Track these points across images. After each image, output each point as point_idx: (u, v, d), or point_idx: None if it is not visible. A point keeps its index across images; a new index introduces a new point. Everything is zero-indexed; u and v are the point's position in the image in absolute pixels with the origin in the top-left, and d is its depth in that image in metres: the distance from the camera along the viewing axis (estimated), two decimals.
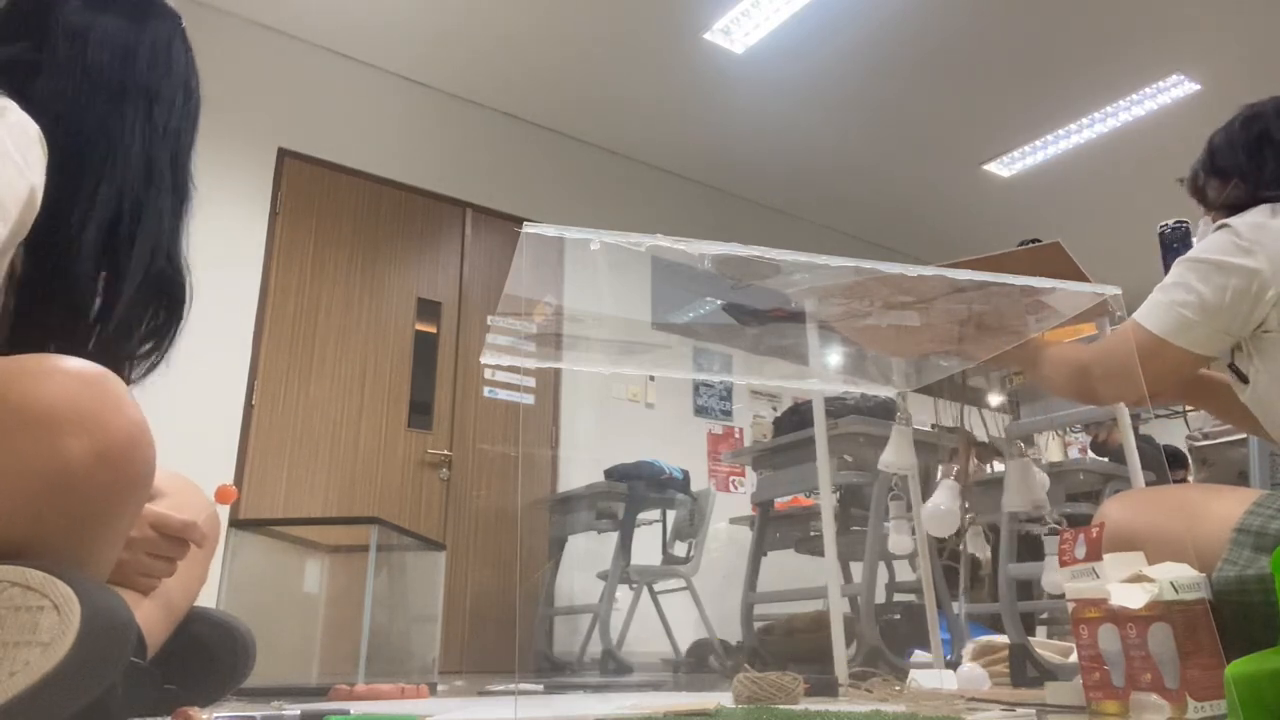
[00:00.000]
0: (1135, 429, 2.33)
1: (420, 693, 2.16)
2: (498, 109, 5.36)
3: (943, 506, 1.96)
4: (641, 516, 4.45)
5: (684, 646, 4.44)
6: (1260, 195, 1.32)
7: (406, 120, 5.03)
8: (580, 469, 4.89)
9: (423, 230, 4.98)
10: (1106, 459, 3.35)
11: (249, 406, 4.19)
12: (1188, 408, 2.78)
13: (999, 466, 2.69)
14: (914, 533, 2.15)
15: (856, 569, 3.63)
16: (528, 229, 1.06)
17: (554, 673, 4.26)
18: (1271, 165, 1.34)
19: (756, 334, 2.00)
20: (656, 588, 4.57)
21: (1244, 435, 2.72)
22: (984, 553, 2.13)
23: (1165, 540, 1.14)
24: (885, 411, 3.26)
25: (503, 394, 4.97)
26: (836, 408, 3.33)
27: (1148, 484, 2.28)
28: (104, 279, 0.95)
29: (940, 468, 2.10)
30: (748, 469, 4.79)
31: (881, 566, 3.84)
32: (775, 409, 5.78)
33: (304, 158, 4.64)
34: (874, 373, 1.99)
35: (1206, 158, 1.44)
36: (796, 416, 3.82)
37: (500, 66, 4.98)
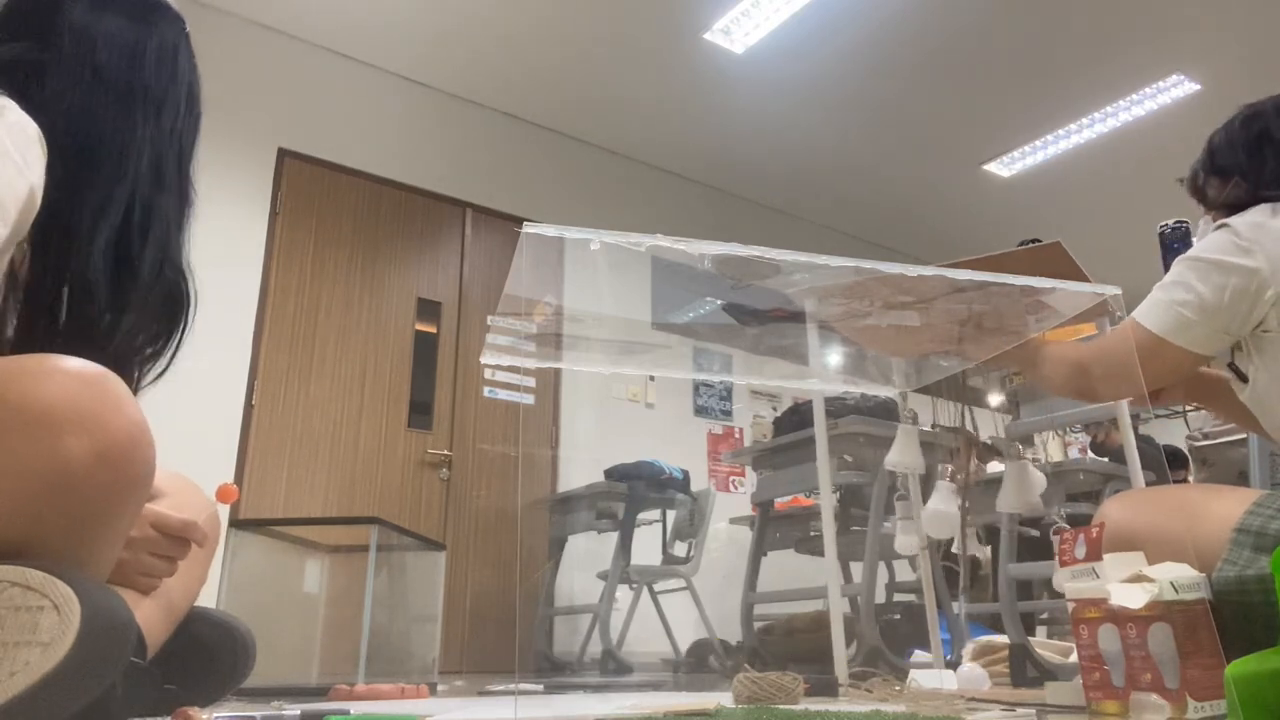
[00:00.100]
0: (1135, 429, 2.33)
1: (420, 693, 2.16)
2: (498, 109, 5.36)
3: (941, 509, 1.96)
4: (641, 516, 4.45)
5: (684, 646, 4.44)
6: (1261, 194, 1.32)
7: (406, 120, 5.03)
8: (580, 469, 4.89)
9: (423, 230, 4.98)
10: (1106, 459, 3.36)
11: (249, 406, 4.19)
12: (1188, 408, 2.78)
13: (1000, 466, 2.69)
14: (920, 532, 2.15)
15: (856, 569, 3.63)
16: (528, 229, 1.06)
17: (554, 673, 4.26)
18: (1272, 164, 1.34)
19: (756, 334, 2.00)
20: (656, 588, 4.57)
21: (1244, 435, 2.72)
22: (980, 553, 2.13)
23: (1165, 540, 1.14)
24: (885, 411, 3.26)
25: (503, 394, 4.97)
26: (836, 408, 3.33)
27: (1148, 484, 2.28)
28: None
29: (939, 468, 2.10)
30: (748, 469, 4.79)
31: (881, 566, 3.85)
32: (775, 409, 5.78)
33: (304, 158, 4.64)
34: (874, 373, 1.99)
35: (1206, 157, 1.44)
36: (796, 416, 3.82)
37: (500, 66, 4.98)
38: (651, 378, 5.35)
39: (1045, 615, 3.63)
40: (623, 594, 4.43)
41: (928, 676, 1.93)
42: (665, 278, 5.24)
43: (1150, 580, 1.04)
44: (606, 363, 1.54)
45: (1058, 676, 1.89)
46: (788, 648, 3.52)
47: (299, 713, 1.31)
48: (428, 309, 4.88)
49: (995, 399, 2.43)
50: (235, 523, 3.12)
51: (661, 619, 4.53)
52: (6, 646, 0.68)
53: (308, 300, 4.49)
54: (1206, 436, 2.97)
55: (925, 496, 2.20)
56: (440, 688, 2.72)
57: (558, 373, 5.02)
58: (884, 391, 2.11)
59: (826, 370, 2.02)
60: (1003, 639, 2.29)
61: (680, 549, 4.63)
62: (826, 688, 1.83)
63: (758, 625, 3.74)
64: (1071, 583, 1.14)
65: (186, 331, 1.04)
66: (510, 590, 4.71)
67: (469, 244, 5.10)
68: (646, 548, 4.47)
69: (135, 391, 0.96)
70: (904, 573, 4.08)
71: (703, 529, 4.55)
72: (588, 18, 4.60)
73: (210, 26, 4.32)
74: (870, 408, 3.35)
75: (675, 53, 4.85)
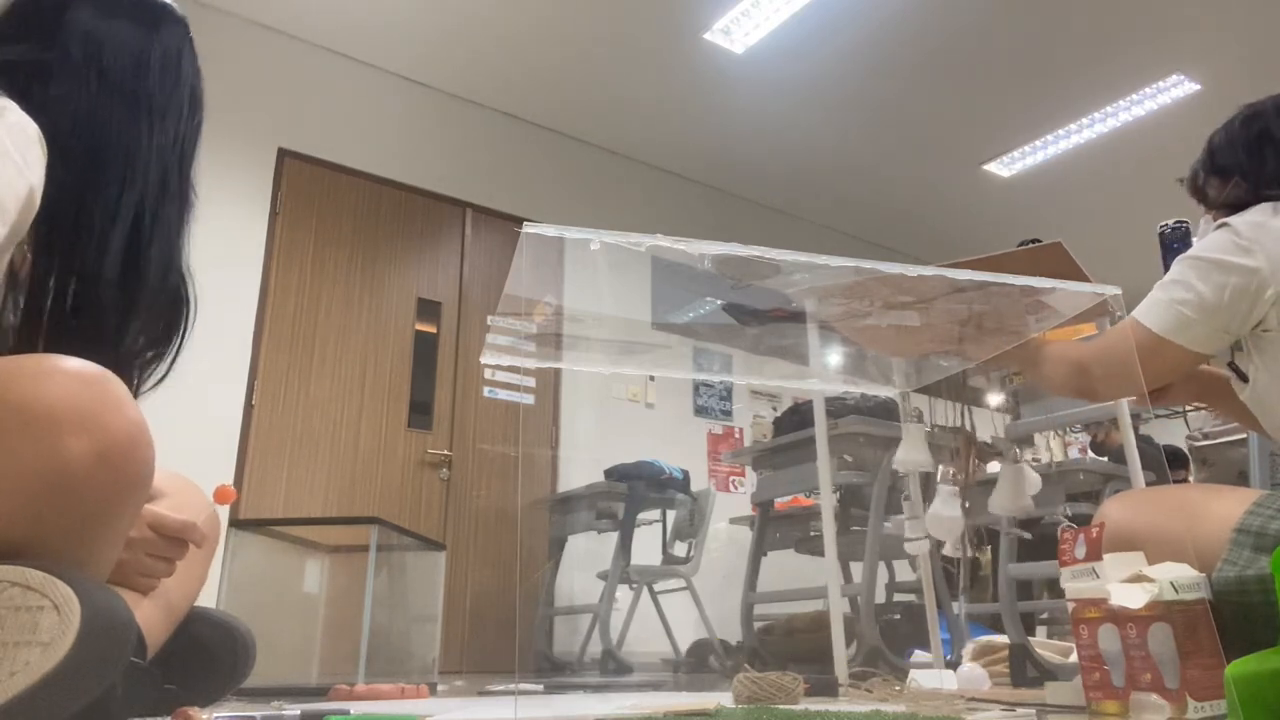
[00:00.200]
0: (1135, 429, 2.33)
1: (420, 693, 2.16)
2: (498, 109, 5.36)
3: (944, 513, 1.96)
4: (641, 516, 4.45)
5: (684, 646, 4.44)
6: (1261, 194, 1.32)
7: (406, 120, 5.03)
8: (580, 469, 4.89)
9: (423, 230, 4.98)
10: (1106, 459, 3.35)
11: (249, 406, 4.19)
12: (1188, 408, 2.78)
13: (999, 466, 2.69)
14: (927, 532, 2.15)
15: (856, 569, 3.63)
16: (528, 229, 1.06)
17: (554, 673, 4.26)
18: (1272, 163, 1.34)
19: (756, 334, 1.99)
20: (656, 588, 4.57)
21: (1244, 435, 2.72)
22: (981, 554, 2.13)
23: (1165, 540, 1.14)
24: (885, 411, 3.26)
25: (503, 394, 4.97)
26: (836, 408, 3.33)
27: (1148, 484, 2.28)
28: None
29: (939, 470, 2.10)
30: (748, 469, 4.78)
31: (881, 566, 3.85)
32: (775, 409, 5.78)
33: (304, 158, 4.64)
34: (874, 373, 1.99)
35: (1206, 157, 1.44)
36: (796, 416, 3.82)
37: (500, 66, 4.98)
38: (651, 378, 5.35)
39: (1045, 615, 3.63)
40: (623, 594, 4.43)
41: (928, 676, 1.93)
42: (665, 278, 5.24)
43: (1150, 580, 1.04)
44: (606, 363, 1.54)
45: (1058, 676, 1.89)
46: (788, 648, 3.52)
47: (299, 713, 1.31)
48: (428, 309, 4.88)
49: (995, 399, 2.43)
50: (235, 523, 3.12)
51: (661, 619, 4.53)
52: (6, 646, 0.68)
53: (308, 300, 4.49)
54: (1206, 436, 2.98)
55: (925, 495, 2.20)
56: (440, 688, 2.72)
57: (558, 373, 5.02)
58: (884, 391, 2.11)
59: (826, 370, 2.02)
60: (1003, 639, 2.29)
61: (680, 549, 4.63)
62: (826, 688, 1.83)
63: (758, 625, 3.74)
64: (1071, 583, 1.14)
65: (187, 336, 1.04)
66: (510, 590, 4.71)
67: (469, 244, 5.10)
68: (646, 548, 4.47)
69: (135, 395, 0.96)
70: (904, 573, 4.08)
71: (703, 529, 4.55)
72: (588, 18, 4.60)
73: (210, 26, 4.31)
74: (870, 408, 3.35)
75: (675, 53, 4.85)
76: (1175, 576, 1.04)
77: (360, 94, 4.89)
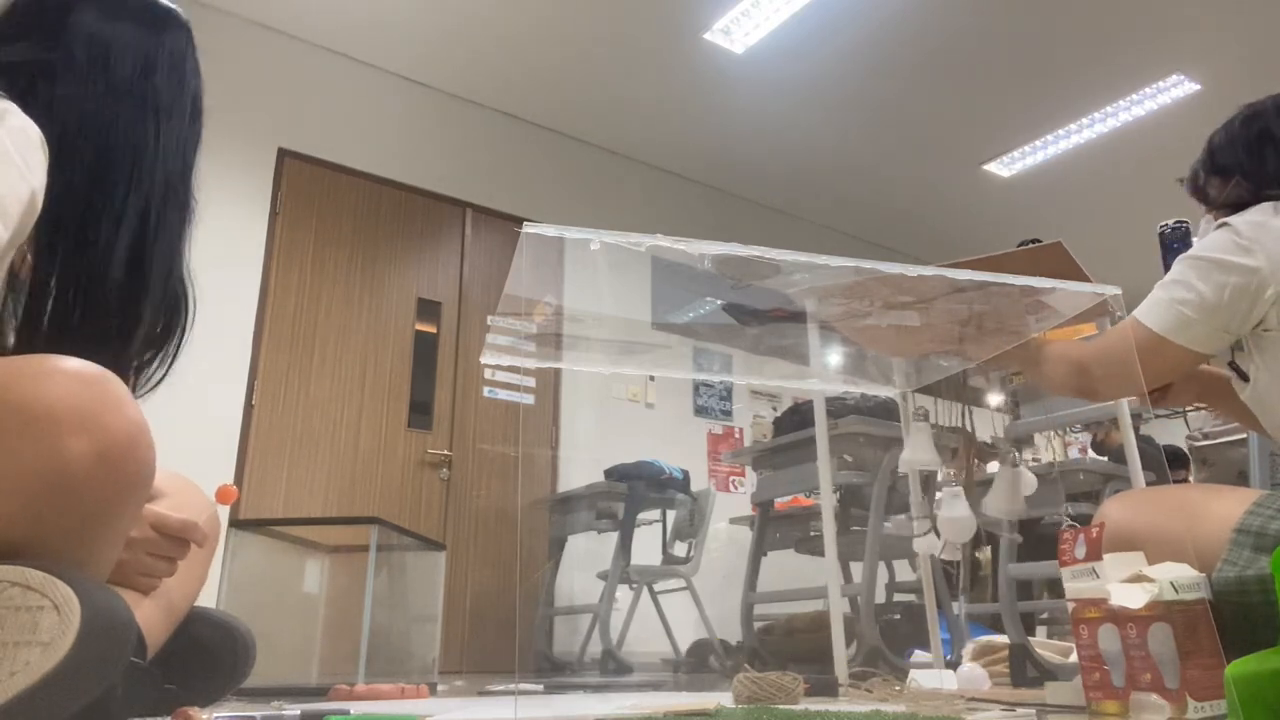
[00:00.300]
0: (1135, 429, 2.33)
1: (420, 693, 2.16)
2: (498, 109, 5.36)
3: (958, 515, 1.95)
4: (641, 516, 4.45)
5: (684, 646, 4.44)
6: (1262, 193, 1.32)
7: (406, 120, 5.03)
8: (580, 469, 4.89)
9: (423, 230, 4.98)
10: (1106, 459, 3.35)
11: (249, 406, 4.19)
12: (1189, 408, 2.78)
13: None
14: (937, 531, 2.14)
15: (856, 569, 3.63)
16: (528, 229, 1.06)
17: (554, 673, 4.26)
18: (1272, 163, 1.34)
19: (756, 334, 1.99)
20: (656, 588, 4.57)
21: (1244, 435, 2.72)
22: (962, 554, 2.13)
23: (1165, 540, 1.14)
24: (885, 411, 3.26)
25: (503, 394, 4.97)
26: (836, 408, 3.33)
27: (1148, 484, 2.28)
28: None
29: (940, 471, 2.10)
30: (748, 469, 4.79)
31: (881, 566, 3.85)
32: (775, 409, 5.78)
33: (304, 158, 4.64)
34: (874, 373, 1.99)
35: (1207, 157, 1.44)
36: (796, 416, 3.82)
37: (500, 66, 4.98)
38: (651, 378, 5.35)
39: (1045, 615, 3.63)
40: (623, 594, 4.43)
41: (928, 676, 1.93)
42: (665, 278, 5.24)
43: (1150, 580, 1.04)
44: (606, 363, 1.54)
45: (1058, 676, 1.89)
46: (788, 648, 3.52)
47: (299, 713, 1.31)
48: (428, 309, 4.88)
49: (995, 399, 2.43)
50: (235, 523, 3.12)
51: (661, 619, 4.52)
52: (6, 646, 0.68)
53: (308, 300, 4.49)
54: (1206, 436, 2.98)
55: (924, 495, 2.20)
56: (440, 688, 2.72)
57: (558, 373, 5.02)
58: (884, 391, 2.11)
59: (826, 370, 2.02)
60: (1003, 639, 2.29)
61: (680, 549, 4.63)
62: (826, 688, 1.83)
63: (758, 625, 3.74)
64: (1072, 583, 1.14)
65: (185, 339, 1.05)
66: (510, 590, 4.71)
67: (469, 244, 5.10)
68: (646, 548, 4.47)
69: (135, 396, 0.96)
70: (904, 573, 4.08)
71: (703, 529, 4.55)
72: (588, 18, 4.60)
73: (210, 26, 4.31)
74: (870, 408, 3.35)
75: (675, 53, 4.85)
76: (1175, 576, 1.04)
77: (360, 94, 4.89)
